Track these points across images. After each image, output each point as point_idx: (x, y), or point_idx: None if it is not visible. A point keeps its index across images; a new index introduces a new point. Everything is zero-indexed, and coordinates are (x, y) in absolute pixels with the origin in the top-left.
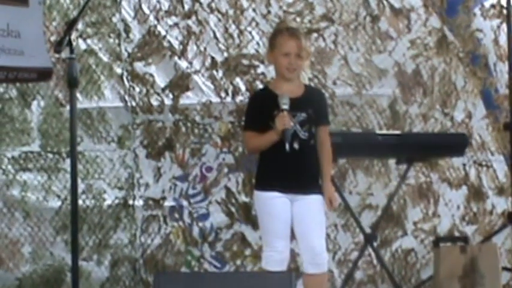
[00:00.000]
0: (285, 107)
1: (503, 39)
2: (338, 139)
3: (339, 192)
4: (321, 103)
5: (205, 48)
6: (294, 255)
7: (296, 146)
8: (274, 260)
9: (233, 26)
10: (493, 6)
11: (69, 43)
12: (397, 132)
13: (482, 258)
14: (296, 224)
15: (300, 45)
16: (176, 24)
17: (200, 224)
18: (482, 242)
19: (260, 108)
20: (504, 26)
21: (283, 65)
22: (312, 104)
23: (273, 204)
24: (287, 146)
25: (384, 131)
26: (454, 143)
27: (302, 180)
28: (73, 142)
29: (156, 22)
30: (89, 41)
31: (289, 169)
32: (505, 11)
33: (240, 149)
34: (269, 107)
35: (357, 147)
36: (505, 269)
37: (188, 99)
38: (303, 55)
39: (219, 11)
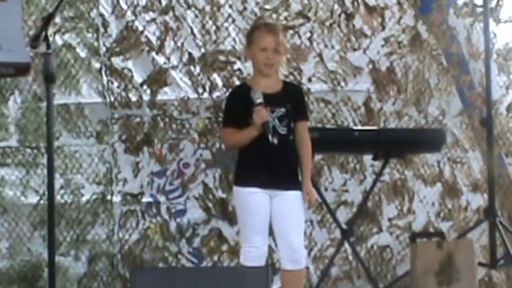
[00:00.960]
0: (259, 101)
1: (475, 38)
2: (315, 134)
3: (316, 189)
4: (299, 98)
5: (182, 44)
6: (270, 251)
7: (275, 141)
8: (252, 256)
9: (210, 22)
10: (465, 4)
11: (46, 38)
12: (374, 127)
13: (459, 254)
14: (274, 220)
15: (277, 40)
16: (153, 20)
17: (178, 220)
18: (458, 238)
19: (238, 105)
20: (477, 24)
21: (260, 60)
22: (291, 99)
23: (252, 199)
24: (270, 138)
25: (361, 127)
26: (431, 139)
27: (281, 176)
28: (50, 137)
29: (133, 17)
30: (66, 35)
31: (268, 165)
32: (477, 10)
33: (217, 145)
34: (247, 103)
35: (334, 143)
36: (481, 264)
37: (166, 94)
38: (281, 50)
39: (196, 7)
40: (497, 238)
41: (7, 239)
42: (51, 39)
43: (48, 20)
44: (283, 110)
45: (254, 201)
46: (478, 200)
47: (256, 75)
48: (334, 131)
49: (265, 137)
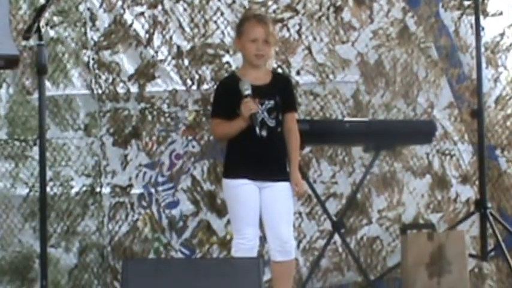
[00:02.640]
0: (247, 92)
1: (463, 31)
2: (305, 126)
3: (306, 180)
4: (288, 90)
5: (171, 38)
6: (261, 243)
7: (264, 133)
8: (244, 248)
9: (199, 16)
10: None
11: (38, 30)
12: (365, 119)
13: (450, 245)
14: (264, 212)
15: (267, 31)
16: (142, 14)
17: (167, 212)
18: (449, 229)
19: (227, 96)
20: (464, 18)
21: (251, 51)
22: (280, 91)
23: (242, 191)
24: (257, 130)
25: (352, 118)
26: (422, 130)
27: (270, 167)
28: (42, 128)
29: (122, 11)
30: (55, 29)
31: (257, 156)
32: (465, 3)
33: (206, 138)
34: (236, 94)
35: (324, 135)
36: (471, 256)
37: (154, 87)
38: (271, 41)
39: (184, 1)
40: (488, 229)
41: None
42: (43, 30)
43: (40, 11)
44: (272, 102)
45: (244, 193)
46: (468, 192)
47: (246, 66)
48: (324, 123)
49: (254, 129)
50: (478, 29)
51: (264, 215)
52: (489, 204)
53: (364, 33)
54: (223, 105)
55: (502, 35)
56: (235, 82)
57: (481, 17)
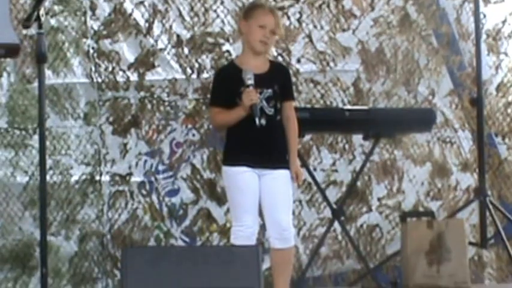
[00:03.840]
0: (250, 82)
1: (465, 18)
2: (306, 115)
3: (306, 168)
4: (286, 79)
5: (170, 26)
6: (261, 230)
7: (263, 121)
8: (243, 235)
9: (198, 4)
10: None
11: (38, 18)
12: (365, 107)
13: (449, 233)
14: (263, 199)
15: (277, 22)
16: (142, 3)
17: (167, 200)
18: (448, 217)
19: (226, 84)
20: (466, 5)
21: (257, 36)
22: (278, 80)
23: (242, 178)
24: (257, 121)
25: (351, 107)
26: (422, 119)
27: (269, 155)
28: (42, 116)
29: (122, 0)
30: (56, 18)
31: (256, 144)
32: None
33: (206, 126)
34: (235, 82)
35: (324, 123)
36: (471, 243)
37: (154, 76)
38: (277, 32)
39: None
40: (487, 217)
41: None
42: (42, 19)
43: (39, 0)
44: (270, 91)
45: (243, 180)
46: (468, 180)
47: (246, 54)
48: (324, 111)
49: (253, 118)
50: (477, 16)
51: (263, 202)
52: (489, 192)
53: (365, 21)
54: (222, 94)
55: (503, 22)
56: (233, 70)
57: (483, 4)
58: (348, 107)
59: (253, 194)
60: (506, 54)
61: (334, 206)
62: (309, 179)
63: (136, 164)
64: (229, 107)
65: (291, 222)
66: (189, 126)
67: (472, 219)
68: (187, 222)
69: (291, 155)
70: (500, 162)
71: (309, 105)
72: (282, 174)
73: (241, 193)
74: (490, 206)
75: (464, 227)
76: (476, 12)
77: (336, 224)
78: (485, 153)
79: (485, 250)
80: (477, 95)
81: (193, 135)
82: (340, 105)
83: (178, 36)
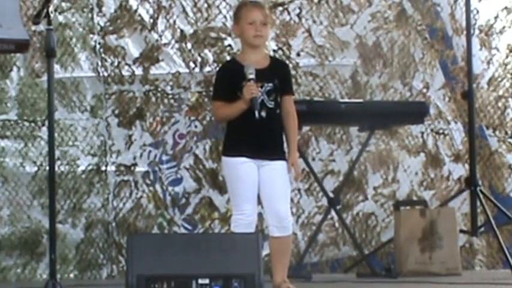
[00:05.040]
0: (251, 76)
1: (459, 14)
2: (303, 107)
3: (304, 158)
4: (286, 73)
5: (174, 22)
6: (261, 219)
7: (263, 114)
8: (242, 223)
9: (201, 0)
10: None
11: (47, 15)
12: (360, 100)
13: (441, 222)
14: (262, 189)
15: (264, 13)
16: None
17: (170, 189)
18: (440, 206)
19: (228, 79)
20: (460, 1)
21: (250, 33)
22: (278, 74)
23: (241, 168)
24: (256, 114)
25: (347, 100)
26: (414, 111)
27: (268, 146)
28: (51, 109)
29: None
30: (63, 15)
31: (256, 136)
32: None
33: (208, 118)
34: (237, 77)
35: (321, 115)
36: (462, 231)
37: (158, 70)
38: (268, 22)
39: None
40: (478, 207)
41: (8, 207)
42: (51, 16)
43: None
44: (270, 85)
45: (243, 170)
46: (460, 170)
47: (245, 51)
48: (321, 104)
49: (253, 110)
50: (468, 11)
51: (262, 192)
52: (480, 182)
53: (363, 16)
54: (224, 88)
55: (496, 17)
56: (235, 66)
57: (476, 0)
58: (344, 100)
59: (252, 183)
60: (497, 49)
61: (331, 195)
62: (307, 169)
63: (141, 155)
64: (231, 101)
65: (289, 212)
66: (192, 118)
67: (463, 208)
68: (189, 211)
69: (290, 148)
70: (491, 153)
71: (307, 98)
72: (280, 165)
73: (241, 183)
74: (481, 196)
75: (456, 215)
76: (467, 8)
77: (333, 212)
78: (476, 145)
79: (476, 238)
80: (468, 89)
81: (196, 126)
82: (338, 97)
83: (181, 31)
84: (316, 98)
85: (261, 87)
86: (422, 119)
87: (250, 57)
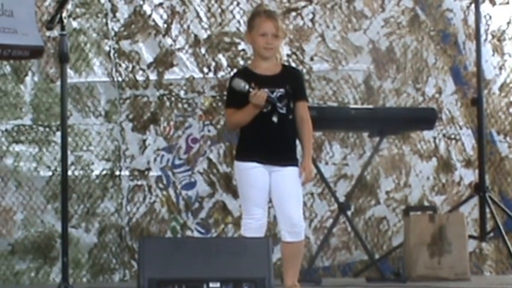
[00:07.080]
0: (247, 87)
1: (471, 19)
2: (313, 113)
3: (315, 164)
4: (298, 79)
5: (188, 27)
6: (273, 223)
7: (275, 119)
8: (253, 228)
9: (215, 6)
10: None
11: (61, 20)
12: (370, 106)
13: (450, 227)
14: (274, 195)
15: (276, 25)
16: (161, 4)
17: (183, 193)
18: (450, 212)
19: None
20: (473, 7)
21: (261, 44)
22: (289, 81)
23: (252, 173)
24: (279, 105)
25: (357, 106)
26: (424, 117)
27: (280, 152)
28: (64, 114)
29: (141, 2)
30: (78, 20)
31: (268, 141)
32: None
33: (222, 122)
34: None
35: (332, 121)
36: (471, 237)
37: (172, 75)
38: (280, 35)
39: None
40: (488, 212)
41: (22, 211)
42: (65, 21)
43: (62, 3)
44: (282, 90)
45: (254, 175)
46: (471, 176)
47: (256, 59)
48: (331, 109)
49: (266, 116)
50: (478, 17)
51: (274, 198)
52: (490, 188)
53: (376, 21)
54: (236, 97)
55: (508, 23)
56: (247, 75)
57: (490, 6)
58: (354, 106)
59: (263, 188)
60: (510, 55)
61: (343, 199)
62: (318, 174)
63: (155, 159)
64: (243, 107)
65: (301, 217)
66: (206, 122)
67: (474, 213)
68: (203, 215)
69: (305, 154)
70: (501, 159)
71: (321, 102)
72: (292, 171)
73: (252, 187)
74: (490, 201)
75: (465, 221)
76: (477, 14)
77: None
78: (486, 151)
79: (485, 243)
80: (477, 95)
81: (209, 130)
82: (352, 102)
83: (195, 36)
84: (329, 103)
85: (272, 92)
86: (431, 125)
87: (261, 65)
